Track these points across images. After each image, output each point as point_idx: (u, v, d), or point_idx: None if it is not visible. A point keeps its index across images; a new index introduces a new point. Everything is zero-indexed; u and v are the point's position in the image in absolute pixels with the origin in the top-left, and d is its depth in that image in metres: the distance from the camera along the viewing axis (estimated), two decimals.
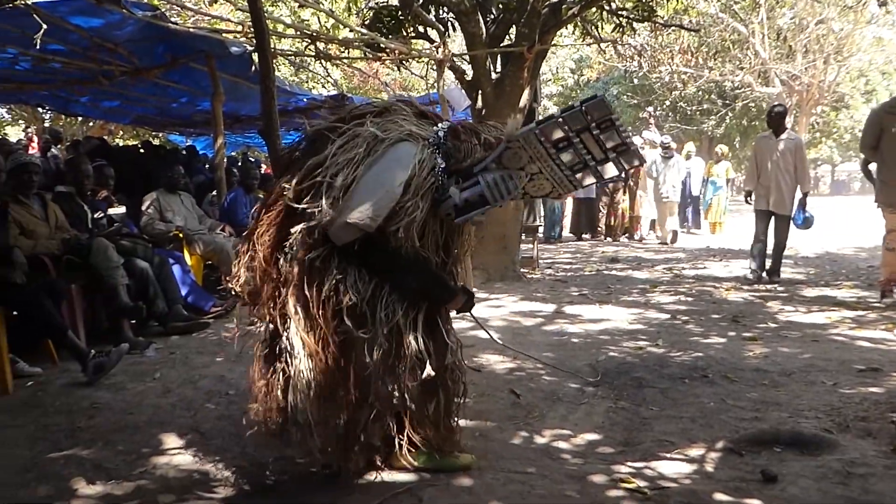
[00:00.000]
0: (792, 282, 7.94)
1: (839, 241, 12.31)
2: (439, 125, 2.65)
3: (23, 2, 5.66)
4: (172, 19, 7.97)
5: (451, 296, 2.65)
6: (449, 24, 8.42)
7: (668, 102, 27.69)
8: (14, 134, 20.19)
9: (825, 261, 10.03)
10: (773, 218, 7.83)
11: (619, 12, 8.79)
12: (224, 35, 7.46)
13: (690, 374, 4.25)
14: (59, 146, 11.42)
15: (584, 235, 14.46)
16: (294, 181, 2.56)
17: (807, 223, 7.73)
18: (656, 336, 5.34)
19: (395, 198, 2.39)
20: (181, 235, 6.55)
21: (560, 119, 2.26)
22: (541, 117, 2.44)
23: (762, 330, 5.53)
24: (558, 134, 2.27)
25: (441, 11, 8.41)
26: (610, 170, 2.37)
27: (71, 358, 4.37)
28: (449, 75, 8.31)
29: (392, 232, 2.42)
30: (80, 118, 15.42)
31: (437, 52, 7.40)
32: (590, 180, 2.41)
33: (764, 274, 8.02)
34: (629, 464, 2.92)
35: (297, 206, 2.51)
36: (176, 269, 5.84)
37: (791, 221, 7.82)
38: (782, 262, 8.13)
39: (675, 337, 5.31)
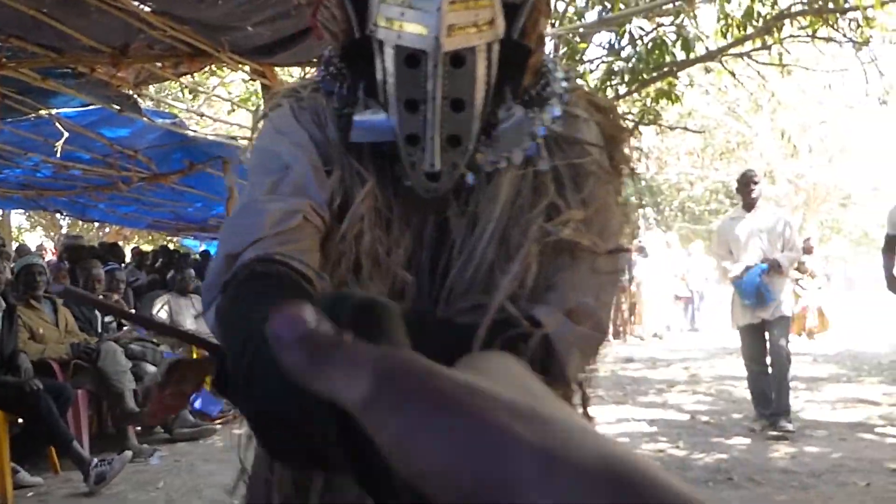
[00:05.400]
0: (814, 379, 7.74)
1: (857, 337, 12.10)
2: None
3: (48, 112, 5.86)
4: (192, 127, 8.23)
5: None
6: None
7: (675, 203, 28.02)
8: (32, 241, 20.56)
9: (845, 356, 9.82)
10: (766, 330, 5.31)
11: (626, 116, 9.02)
12: (240, 141, 7.67)
13: (714, 477, 4.09)
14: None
15: None
16: None
17: (757, 296, 5.17)
18: (676, 437, 5.16)
19: (286, 190, 0.97)
20: None
21: None
22: None
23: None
24: None
25: None
26: None
27: (73, 466, 4.26)
28: None
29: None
30: (96, 224, 15.72)
31: None
32: None
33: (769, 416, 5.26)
34: None
35: None
36: None
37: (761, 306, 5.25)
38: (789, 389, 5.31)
39: (696, 438, 5.13)
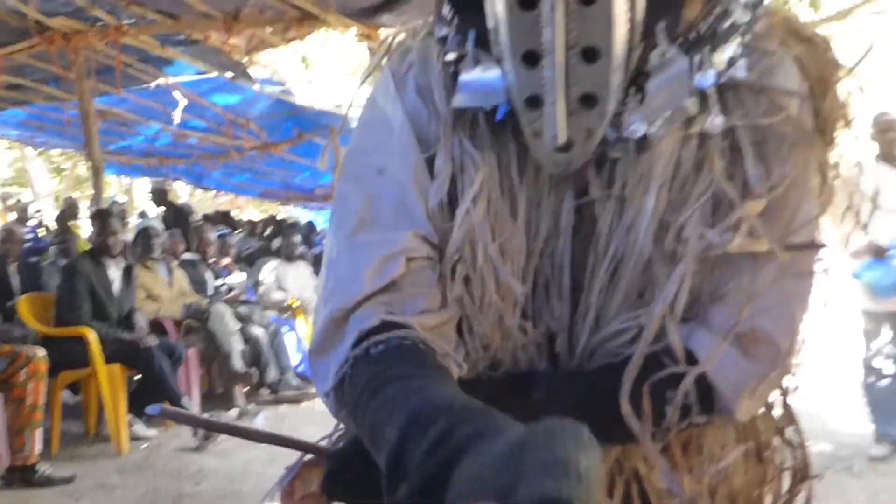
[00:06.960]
0: None
1: None
2: None
3: (166, 80, 6.10)
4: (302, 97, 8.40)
5: None
6: None
7: None
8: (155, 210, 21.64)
9: None
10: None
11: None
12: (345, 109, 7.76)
13: (833, 465, 3.82)
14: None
15: None
16: None
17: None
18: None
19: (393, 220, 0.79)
20: (297, 304, 6.66)
21: None
22: None
23: None
24: None
25: None
26: None
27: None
28: None
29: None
30: (212, 193, 16.42)
31: None
32: None
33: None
34: None
35: None
36: (290, 337, 5.92)
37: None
38: None
39: (809, 424, 4.80)
